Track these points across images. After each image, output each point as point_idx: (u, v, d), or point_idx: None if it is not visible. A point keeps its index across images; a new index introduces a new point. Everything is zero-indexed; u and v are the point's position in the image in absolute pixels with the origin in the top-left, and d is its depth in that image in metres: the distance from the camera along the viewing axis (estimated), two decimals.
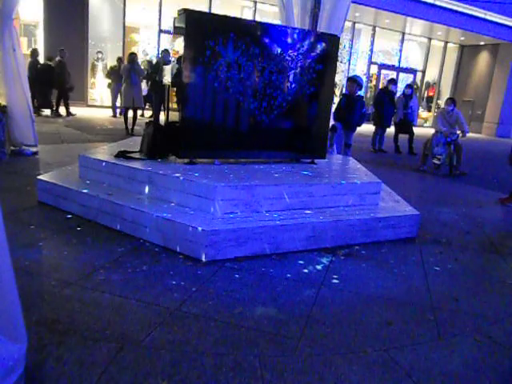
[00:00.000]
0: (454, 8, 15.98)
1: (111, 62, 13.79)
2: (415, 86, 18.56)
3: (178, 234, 3.30)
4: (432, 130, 9.01)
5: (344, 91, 7.07)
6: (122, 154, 4.28)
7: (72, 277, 2.79)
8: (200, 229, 3.18)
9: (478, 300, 3.08)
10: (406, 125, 10.32)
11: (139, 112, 10.70)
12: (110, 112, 12.36)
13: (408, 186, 6.54)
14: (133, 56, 9.62)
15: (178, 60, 4.35)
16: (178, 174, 3.76)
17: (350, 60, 17.47)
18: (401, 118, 10.31)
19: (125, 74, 9.36)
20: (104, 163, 4.13)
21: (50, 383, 1.88)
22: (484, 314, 2.88)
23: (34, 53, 11.26)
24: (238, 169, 4.18)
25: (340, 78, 15.78)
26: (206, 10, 13.85)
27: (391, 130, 10.59)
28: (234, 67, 4.07)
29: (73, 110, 11.79)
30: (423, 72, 19.91)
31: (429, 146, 8.01)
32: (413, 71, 19.61)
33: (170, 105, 4.93)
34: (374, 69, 18.66)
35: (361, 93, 7.22)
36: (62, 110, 11.56)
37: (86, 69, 13.24)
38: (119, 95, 10.50)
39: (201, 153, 4.24)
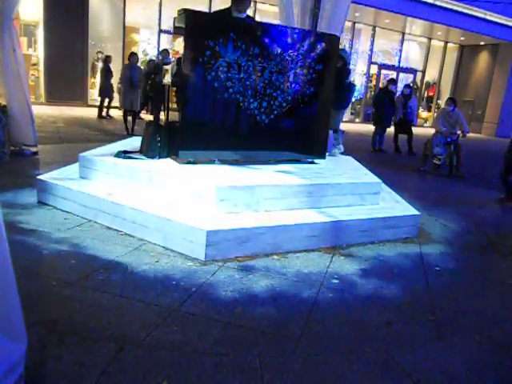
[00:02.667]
0: (454, 8, 15.99)
1: (111, 61, 13.78)
2: (415, 86, 18.58)
3: (178, 233, 3.30)
4: (432, 130, 9.01)
5: None
6: (122, 154, 4.28)
7: (72, 277, 2.79)
8: (200, 229, 3.18)
9: (478, 300, 3.08)
10: (405, 124, 10.33)
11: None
12: (109, 112, 12.33)
13: (408, 186, 6.53)
14: (135, 57, 9.59)
15: (178, 61, 4.34)
16: (177, 174, 3.76)
17: (350, 60, 17.45)
18: (400, 118, 10.32)
19: (125, 74, 9.32)
20: (104, 163, 4.13)
21: (49, 383, 1.89)
22: (484, 314, 2.88)
23: (107, 59, 11.53)
24: (238, 169, 4.18)
25: None
26: (206, 10, 13.85)
27: (391, 129, 10.59)
28: (234, 67, 4.07)
29: (73, 110, 11.81)
30: (423, 72, 19.91)
31: (429, 146, 8.01)
32: (413, 71, 19.61)
33: (170, 105, 4.93)
34: (374, 69, 18.66)
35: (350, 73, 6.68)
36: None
37: (85, 69, 13.23)
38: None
39: (201, 153, 4.24)
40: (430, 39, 19.46)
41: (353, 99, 6.34)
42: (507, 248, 4.28)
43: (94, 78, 13.77)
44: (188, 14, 3.86)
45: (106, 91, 11.51)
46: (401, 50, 18.84)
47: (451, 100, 8.22)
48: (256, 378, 2.03)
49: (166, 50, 10.67)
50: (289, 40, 4.31)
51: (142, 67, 10.71)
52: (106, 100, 11.77)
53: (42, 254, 3.09)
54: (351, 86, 5.52)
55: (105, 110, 11.83)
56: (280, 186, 3.80)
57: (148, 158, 4.26)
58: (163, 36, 14.63)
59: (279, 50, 4.27)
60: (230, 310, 2.59)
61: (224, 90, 4.07)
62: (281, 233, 3.48)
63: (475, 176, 8.15)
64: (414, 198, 5.60)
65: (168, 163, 4.17)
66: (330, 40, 4.58)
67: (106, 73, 11.50)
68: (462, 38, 18.90)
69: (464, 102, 19.07)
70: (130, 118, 9.45)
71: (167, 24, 13.99)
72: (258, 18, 14.46)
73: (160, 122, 4.75)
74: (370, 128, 10.74)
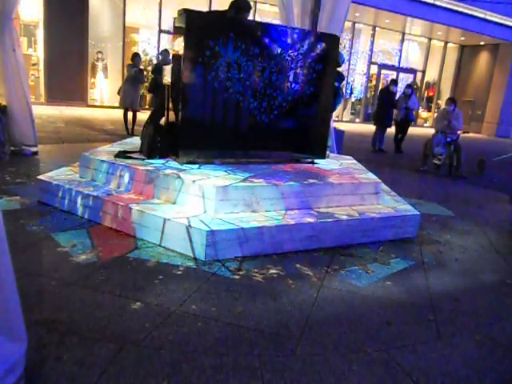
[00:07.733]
0: (454, 8, 15.99)
1: (111, 62, 13.79)
2: (415, 86, 18.57)
3: (177, 234, 3.30)
4: (432, 130, 9.02)
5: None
6: (122, 154, 4.28)
7: (72, 277, 2.79)
8: (200, 229, 3.18)
9: (478, 300, 3.08)
10: (406, 124, 10.39)
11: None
12: (110, 112, 12.33)
13: (408, 186, 6.53)
14: (137, 58, 9.57)
15: (173, 58, 4.23)
16: (177, 174, 3.76)
17: (350, 60, 17.46)
18: (402, 118, 10.36)
19: (129, 74, 9.32)
20: (104, 163, 4.13)
21: (49, 383, 1.89)
22: (484, 314, 2.88)
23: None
24: (238, 169, 4.18)
25: None
26: (206, 10, 13.85)
27: (391, 129, 10.62)
28: (234, 67, 4.07)
29: (73, 110, 11.79)
30: (423, 72, 19.92)
31: (429, 146, 8.02)
32: (413, 71, 19.62)
33: (170, 105, 4.92)
34: (373, 69, 18.66)
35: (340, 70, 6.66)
36: None
37: (86, 69, 13.23)
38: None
39: (200, 153, 4.24)
40: (430, 39, 19.47)
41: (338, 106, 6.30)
42: (507, 248, 4.28)
43: (94, 77, 13.76)
44: (188, 14, 3.86)
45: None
46: (401, 50, 18.84)
47: (451, 100, 8.24)
48: (256, 378, 2.03)
49: (166, 50, 10.65)
50: (289, 40, 4.31)
51: (142, 67, 10.68)
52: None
53: (41, 254, 3.09)
54: (338, 91, 5.60)
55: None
56: (280, 186, 3.80)
57: (148, 158, 4.26)
58: (163, 36, 14.63)
59: (279, 50, 4.27)
60: (230, 309, 2.59)
61: (224, 89, 4.07)
62: (281, 233, 3.48)
63: (475, 176, 8.14)
64: (414, 197, 5.61)
65: (168, 163, 4.17)
66: (330, 40, 4.58)
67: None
68: (462, 38, 18.91)
69: (464, 101, 19.06)
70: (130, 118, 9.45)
71: (167, 24, 13.98)
72: (258, 18, 14.47)
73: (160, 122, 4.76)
74: (370, 128, 10.73)
